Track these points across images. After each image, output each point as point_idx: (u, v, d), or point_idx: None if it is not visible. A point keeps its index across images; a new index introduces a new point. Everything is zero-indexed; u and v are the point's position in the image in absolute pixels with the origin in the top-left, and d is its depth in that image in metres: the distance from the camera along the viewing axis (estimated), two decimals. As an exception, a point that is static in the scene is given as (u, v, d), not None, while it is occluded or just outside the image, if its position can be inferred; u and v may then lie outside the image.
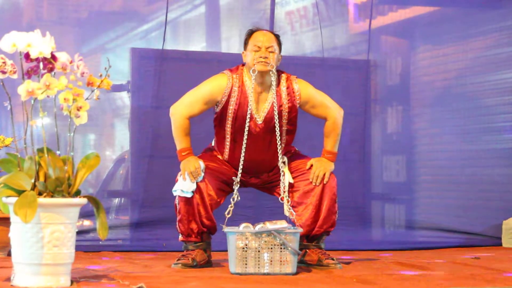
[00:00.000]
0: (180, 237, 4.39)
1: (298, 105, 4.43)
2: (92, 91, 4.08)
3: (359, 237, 5.69)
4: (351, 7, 6.37)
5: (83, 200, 3.44)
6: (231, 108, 4.36)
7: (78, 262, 4.05)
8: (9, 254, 4.58)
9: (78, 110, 3.71)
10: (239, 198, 4.29)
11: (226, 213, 4.21)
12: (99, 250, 5.17)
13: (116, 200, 5.94)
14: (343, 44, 6.30)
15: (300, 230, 4.13)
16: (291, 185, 4.40)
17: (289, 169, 4.43)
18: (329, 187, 4.37)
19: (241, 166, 4.33)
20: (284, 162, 4.42)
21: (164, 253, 5.18)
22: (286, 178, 4.40)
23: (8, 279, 3.46)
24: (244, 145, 4.31)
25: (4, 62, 3.89)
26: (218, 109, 4.41)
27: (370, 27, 6.06)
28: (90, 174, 3.64)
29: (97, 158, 3.60)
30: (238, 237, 4.01)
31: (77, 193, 3.50)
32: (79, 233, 3.89)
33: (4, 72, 3.94)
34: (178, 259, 4.33)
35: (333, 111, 4.54)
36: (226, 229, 4.07)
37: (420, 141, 6.32)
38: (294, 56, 6.20)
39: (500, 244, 5.92)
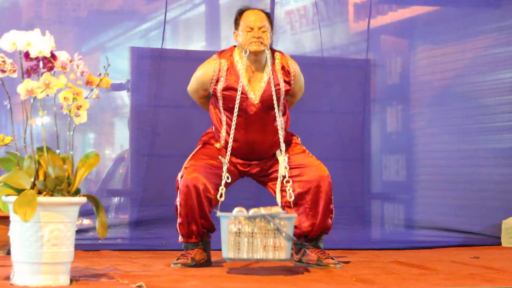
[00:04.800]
0: (180, 239, 4.38)
1: (292, 85, 4.42)
2: (92, 90, 4.07)
3: (358, 236, 5.69)
4: (351, 6, 6.36)
5: (82, 199, 3.43)
6: (221, 90, 4.35)
7: (77, 261, 4.04)
8: (8, 253, 4.57)
9: (78, 109, 3.70)
10: (229, 179, 4.26)
11: (218, 196, 4.19)
12: (98, 249, 5.16)
13: (116, 199, 5.94)
14: (343, 44, 6.29)
15: (295, 215, 4.07)
16: (287, 182, 4.34)
17: (288, 164, 4.39)
18: (324, 190, 4.35)
19: (230, 144, 4.31)
20: (281, 150, 4.39)
21: (164, 252, 5.18)
22: (281, 167, 4.36)
23: (8, 278, 3.45)
24: (234, 124, 4.29)
25: (3, 61, 3.89)
26: (211, 93, 4.42)
27: (369, 26, 6.05)
28: (89, 173, 3.64)
29: (97, 157, 3.60)
30: (232, 222, 3.92)
31: (77, 192, 3.50)
32: (78, 232, 3.88)
33: (3, 71, 3.93)
34: (178, 259, 4.32)
35: (299, 97, 4.60)
36: (219, 213, 4.04)
37: (419, 140, 6.31)
38: (294, 55, 6.16)
39: (500, 244, 5.92)
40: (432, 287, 3.64)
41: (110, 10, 5.99)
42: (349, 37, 6.34)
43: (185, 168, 4.33)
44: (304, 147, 4.52)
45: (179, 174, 4.32)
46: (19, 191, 3.34)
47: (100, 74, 4.22)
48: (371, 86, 6.07)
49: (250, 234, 3.94)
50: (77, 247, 3.56)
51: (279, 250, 3.96)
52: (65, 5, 5.79)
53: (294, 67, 4.45)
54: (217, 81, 4.35)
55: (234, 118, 4.28)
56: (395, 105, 6.31)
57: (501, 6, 6.29)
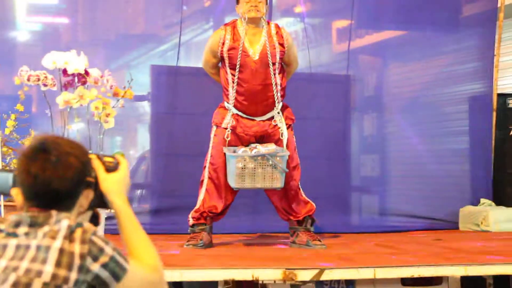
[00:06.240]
0: (192, 221, 4.38)
1: (286, 48, 4.42)
2: (118, 100, 4.06)
3: (340, 222, 5.68)
4: (334, 31, 6.36)
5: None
6: (227, 51, 4.36)
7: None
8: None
9: (107, 116, 3.71)
10: (233, 122, 4.34)
11: (225, 136, 4.28)
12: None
13: (138, 191, 5.93)
14: (327, 62, 6.28)
15: (288, 153, 4.19)
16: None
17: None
18: (290, 177, 4.34)
19: (234, 90, 4.33)
20: (279, 114, 4.38)
21: (178, 235, 5.15)
22: (285, 133, 4.34)
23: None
24: (237, 72, 4.31)
25: (45, 77, 3.89)
26: (219, 56, 4.42)
27: (349, 47, 6.05)
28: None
29: (123, 156, 3.59)
30: (238, 160, 4.09)
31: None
32: (108, 218, 3.87)
33: (45, 85, 3.93)
34: (188, 240, 4.32)
35: (294, 67, 4.61)
36: (228, 151, 4.18)
37: (391, 142, 6.30)
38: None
39: (457, 228, 5.92)
40: (402, 264, 3.64)
41: (134, 34, 5.99)
42: (333, 56, 6.33)
43: (208, 167, 4.35)
44: (294, 141, 4.47)
45: (205, 175, 4.35)
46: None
47: (124, 87, 4.23)
48: (351, 97, 6.06)
49: (252, 168, 4.10)
50: (107, 231, 3.57)
51: (275, 180, 4.11)
52: (97, 30, 5.80)
53: (287, 36, 4.48)
54: (223, 43, 4.38)
55: (237, 69, 4.31)
56: (371, 113, 6.30)
57: (458, 31, 6.30)
